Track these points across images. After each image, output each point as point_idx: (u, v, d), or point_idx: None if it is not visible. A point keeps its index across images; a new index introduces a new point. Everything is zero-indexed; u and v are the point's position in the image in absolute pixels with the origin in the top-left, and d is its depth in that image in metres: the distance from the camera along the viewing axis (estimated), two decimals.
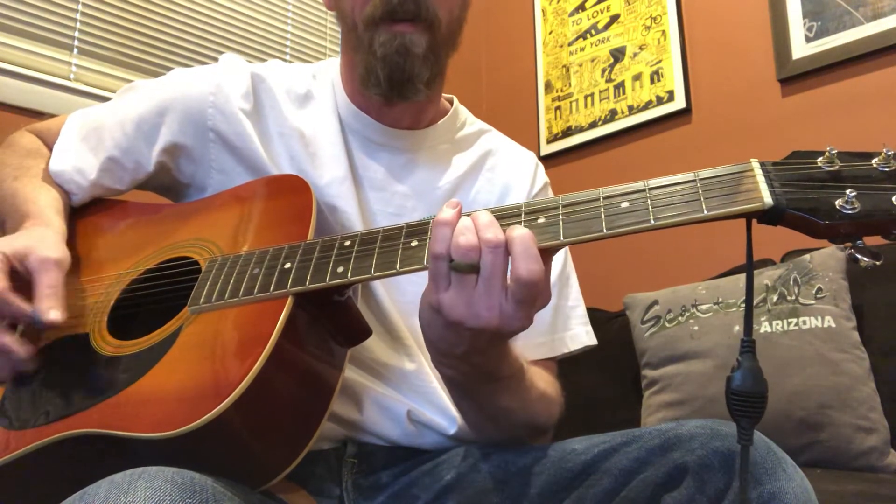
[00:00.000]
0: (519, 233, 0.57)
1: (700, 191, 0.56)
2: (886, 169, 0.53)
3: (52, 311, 0.68)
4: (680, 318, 1.59)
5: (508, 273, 0.58)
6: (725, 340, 1.48)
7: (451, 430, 0.81)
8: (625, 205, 0.58)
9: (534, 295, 0.57)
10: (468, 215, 0.60)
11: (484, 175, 0.94)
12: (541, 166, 1.00)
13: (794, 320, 1.41)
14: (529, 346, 0.84)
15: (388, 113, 0.88)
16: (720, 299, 1.55)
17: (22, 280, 0.70)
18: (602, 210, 0.58)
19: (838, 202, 0.52)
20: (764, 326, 1.43)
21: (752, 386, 0.53)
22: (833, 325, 1.37)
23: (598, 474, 0.69)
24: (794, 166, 0.55)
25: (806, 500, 0.60)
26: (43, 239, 0.74)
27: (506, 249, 0.57)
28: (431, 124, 0.93)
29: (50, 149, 0.90)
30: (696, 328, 1.55)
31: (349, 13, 0.83)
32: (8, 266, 0.69)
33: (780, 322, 1.42)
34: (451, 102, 0.98)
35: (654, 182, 0.58)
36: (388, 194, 0.88)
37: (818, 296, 1.41)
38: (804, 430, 1.32)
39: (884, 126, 1.68)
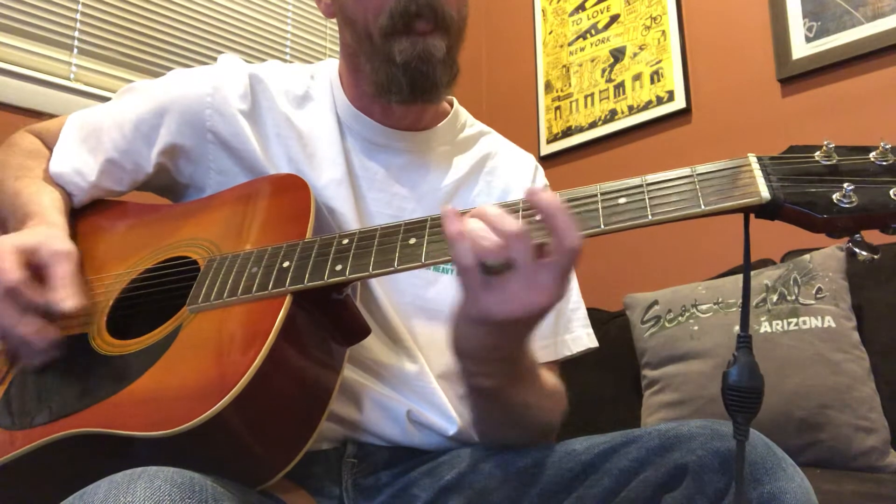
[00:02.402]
0: (551, 203, 0.56)
1: (697, 186, 0.56)
2: (884, 163, 0.53)
3: (66, 300, 0.69)
4: (680, 318, 1.59)
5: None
6: (725, 340, 1.48)
7: (451, 432, 0.81)
8: (622, 200, 0.58)
9: (574, 260, 0.56)
10: (467, 212, 0.60)
11: (483, 177, 0.94)
12: (540, 169, 1.00)
13: (794, 320, 1.41)
14: None
15: (391, 115, 0.88)
16: (720, 299, 1.55)
17: (35, 274, 0.71)
18: (600, 206, 0.58)
19: (836, 196, 0.52)
20: (764, 326, 1.43)
21: (748, 381, 0.53)
22: (833, 325, 1.37)
23: (598, 474, 0.69)
24: (792, 160, 0.55)
25: (806, 500, 0.60)
26: (50, 234, 0.75)
27: (528, 234, 0.57)
28: (431, 125, 0.92)
29: (50, 150, 0.90)
30: (696, 328, 1.55)
31: (361, 22, 0.81)
32: (23, 259, 0.70)
33: (780, 322, 1.42)
34: (451, 104, 0.97)
35: (651, 178, 0.58)
36: (387, 195, 0.87)
37: (818, 296, 1.41)
38: (804, 430, 1.32)
39: (884, 126, 1.68)
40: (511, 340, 0.62)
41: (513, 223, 0.57)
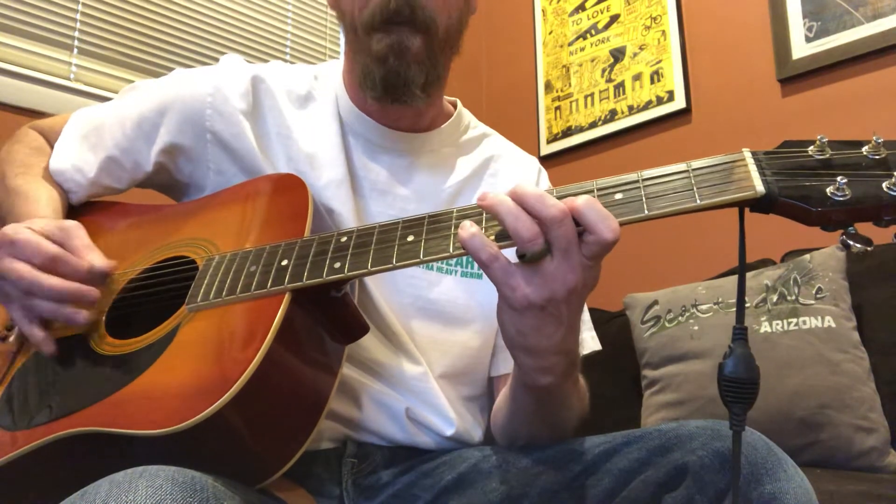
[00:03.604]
0: (582, 201, 0.56)
1: (693, 181, 0.56)
2: (876, 156, 0.54)
3: (101, 260, 0.72)
4: (680, 318, 1.59)
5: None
6: (725, 340, 1.46)
7: (448, 432, 0.81)
8: (619, 196, 0.58)
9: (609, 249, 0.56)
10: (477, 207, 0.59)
11: (487, 180, 0.94)
12: (544, 172, 1.00)
13: (794, 320, 1.41)
14: None
15: (388, 115, 0.88)
16: (720, 299, 1.55)
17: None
18: None
19: (829, 189, 0.53)
20: (764, 326, 1.43)
21: (744, 372, 0.53)
22: (833, 325, 1.37)
23: (598, 474, 0.69)
24: (786, 155, 0.56)
25: (806, 500, 0.60)
26: (48, 220, 0.76)
27: (570, 218, 0.56)
28: (433, 127, 0.92)
29: (52, 147, 0.90)
30: (696, 328, 1.55)
31: (349, 16, 0.83)
32: (45, 235, 0.71)
33: (780, 322, 1.42)
34: (455, 105, 0.98)
35: (647, 173, 0.59)
36: (389, 197, 0.87)
37: (818, 296, 1.41)
38: (804, 430, 1.32)
39: (884, 126, 1.68)
40: (566, 322, 0.60)
41: (555, 208, 0.56)
